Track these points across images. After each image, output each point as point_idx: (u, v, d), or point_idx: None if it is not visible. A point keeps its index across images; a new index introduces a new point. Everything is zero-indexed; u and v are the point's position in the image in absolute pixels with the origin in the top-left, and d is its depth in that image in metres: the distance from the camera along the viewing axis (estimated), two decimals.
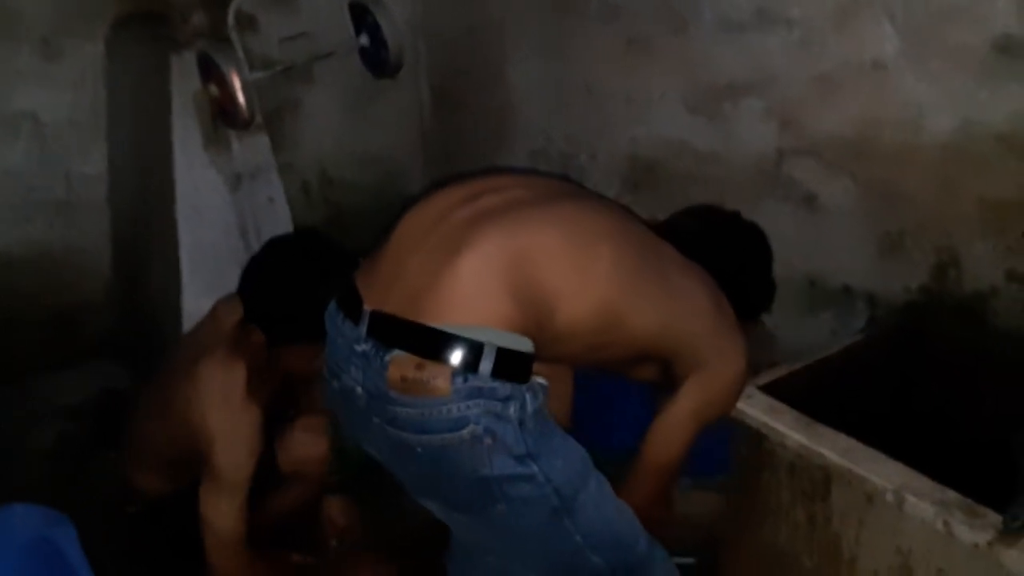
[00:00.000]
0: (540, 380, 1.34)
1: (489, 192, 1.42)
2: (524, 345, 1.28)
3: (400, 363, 1.26)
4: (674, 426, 1.50)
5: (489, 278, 1.29)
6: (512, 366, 1.27)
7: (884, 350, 1.84)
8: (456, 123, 3.08)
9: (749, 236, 1.78)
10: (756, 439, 1.55)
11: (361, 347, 1.32)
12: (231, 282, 1.87)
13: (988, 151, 1.75)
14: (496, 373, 1.25)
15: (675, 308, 1.44)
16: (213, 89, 2.17)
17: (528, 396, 1.29)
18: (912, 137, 1.85)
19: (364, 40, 2.36)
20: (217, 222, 2.30)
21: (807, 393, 1.59)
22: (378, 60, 2.37)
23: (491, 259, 1.30)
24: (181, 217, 2.30)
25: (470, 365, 1.24)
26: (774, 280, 1.78)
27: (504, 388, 1.26)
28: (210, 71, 2.16)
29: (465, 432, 1.25)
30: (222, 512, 1.75)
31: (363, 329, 1.32)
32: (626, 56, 2.39)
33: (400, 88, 2.95)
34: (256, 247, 2.26)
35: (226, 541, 1.77)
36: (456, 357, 1.24)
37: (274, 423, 1.90)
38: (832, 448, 1.44)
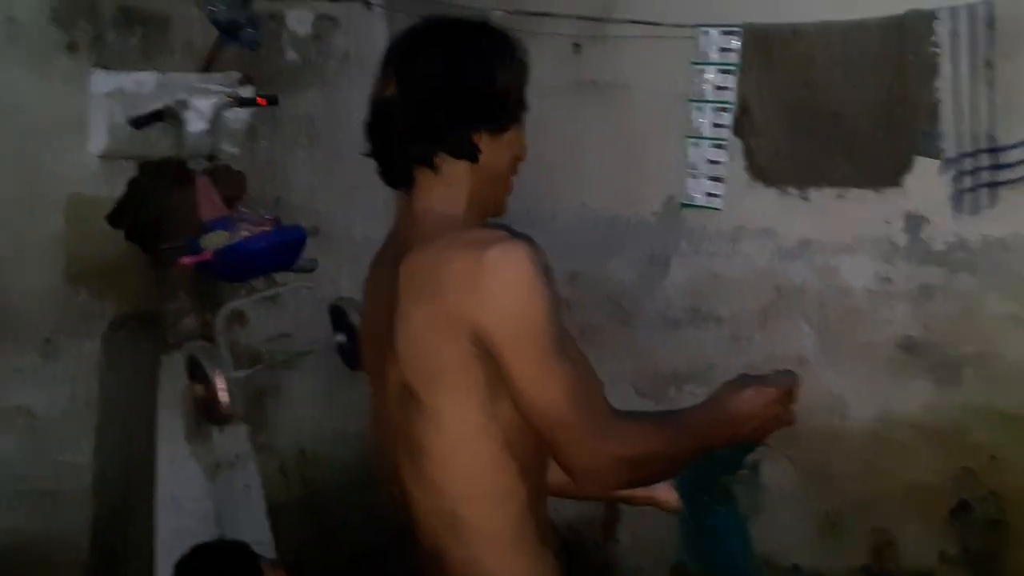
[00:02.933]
0: None
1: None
2: None
3: None
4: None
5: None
6: None
7: None
8: None
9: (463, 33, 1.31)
10: None
11: None
12: None
13: (906, 439, 1.91)
14: None
15: None
16: (199, 388, 2.34)
17: None
18: (838, 423, 2.02)
19: (341, 338, 2.57)
20: (195, 511, 2.38)
21: None
22: (354, 356, 2.56)
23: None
24: (160, 506, 2.38)
25: None
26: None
27: None
28: (197, 371, 2.34)
29: None
30: None
31: None
32: (580, 343, 2.60)
33: None
34: (229, 534, 2.35)
35: None
36: None
37: None
38: None
